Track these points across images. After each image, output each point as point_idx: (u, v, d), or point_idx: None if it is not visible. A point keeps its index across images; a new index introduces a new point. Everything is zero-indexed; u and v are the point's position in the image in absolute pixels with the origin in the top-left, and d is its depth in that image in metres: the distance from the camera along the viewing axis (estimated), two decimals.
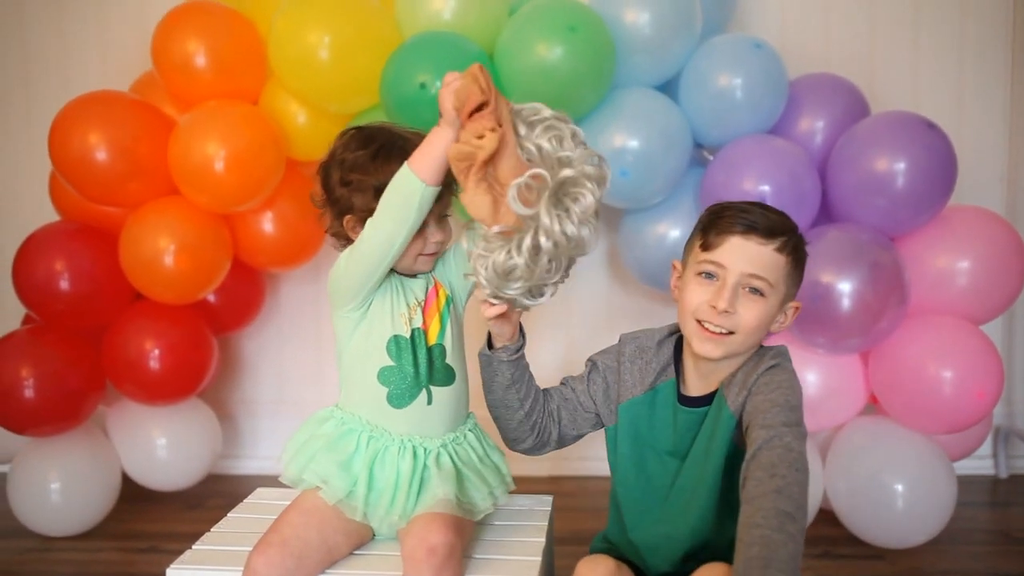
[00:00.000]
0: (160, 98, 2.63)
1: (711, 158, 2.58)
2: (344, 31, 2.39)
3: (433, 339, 1.59)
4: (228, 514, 1.76)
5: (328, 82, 2.42)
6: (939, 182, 2.28)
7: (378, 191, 1.47)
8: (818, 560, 2.33)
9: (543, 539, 1.63)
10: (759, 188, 2.31)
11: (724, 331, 1.37)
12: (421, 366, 1.56)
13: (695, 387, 1.48)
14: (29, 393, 2.43)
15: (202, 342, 2.68)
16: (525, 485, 1.87)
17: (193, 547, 1.60)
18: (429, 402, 1.57)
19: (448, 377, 1.60)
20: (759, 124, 2.46)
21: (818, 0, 2.94)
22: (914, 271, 2.31)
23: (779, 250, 1.37)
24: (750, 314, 1.36)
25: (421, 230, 1.51)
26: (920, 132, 2.29)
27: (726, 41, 2.52)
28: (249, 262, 2.74)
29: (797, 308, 1.45)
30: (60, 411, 2.50)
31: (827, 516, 2.46)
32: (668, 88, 2.56)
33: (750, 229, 1.36)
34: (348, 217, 1.56)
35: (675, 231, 2.52)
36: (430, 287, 1.62)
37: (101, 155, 2.38)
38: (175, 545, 1.68)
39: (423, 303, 1.59)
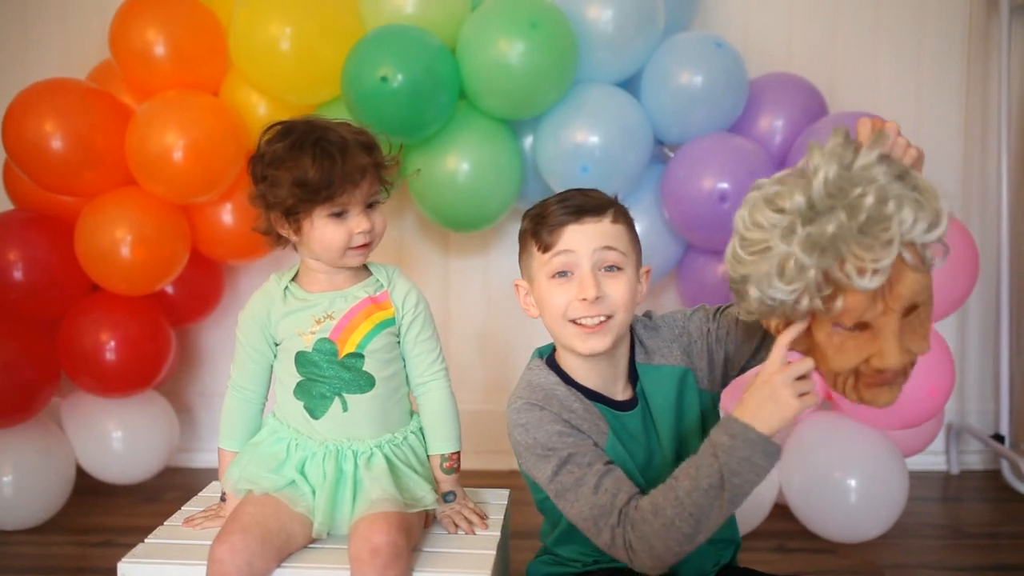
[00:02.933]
0: (118, 87, 2.60)
1: (672, 155, 2.60)
2: (305, 23, 2.38)
3: (350, 348, 1.56)
4: (182, 507, 1.75)
5: (289, 74, 2.41)
6: None
7: (293, 184, 1.45)
8: (771, 553, 2.36)
9: (498, 533, 1.63)
10: (718, 186, 2.33)
11: (602, 318, 1.32)
12: (328, 377, 1.56)
13: (615, 391, 1.43)
14: None
15: (159, 334, 2.65)
16: (482, 479, 1.87)
17: (146, 540, 1.59)
18: (345, 409, 1.57)
19: (364, 384, 1.57)
20: (719, 122, 2.48)
21: (781, 0, 2.97)
22: None
23: (614, 221, 1.36)
24: (618, 290, 1.33)
25: (341, 218, 1.51)
26: None
27: (688, 39, 2.54)
28: (208, 254, 2.71)
29: (647, 271, 1.44)
30: (13, 403, 2.46)
31: (781, 510, 2.48)
32: (630, 85, 2.58)
33: (579, 212, 1.34)
34: (275, 214, 1.52)
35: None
36: (360, 299, 1.58)
37: (56, 143, 2.35)
38: (131, 539, 1.66)
39: (340, 316, 1.56)
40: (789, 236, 1.06)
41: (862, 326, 1.10)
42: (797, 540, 2.43)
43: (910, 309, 1.09)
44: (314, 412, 1.57)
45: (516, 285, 1.45)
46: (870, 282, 1.04)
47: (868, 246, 1.03)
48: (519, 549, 1.83)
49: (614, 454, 1.36)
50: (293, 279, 1.60)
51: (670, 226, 2.55)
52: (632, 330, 1.45)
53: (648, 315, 1.49)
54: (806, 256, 1.04)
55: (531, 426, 1.35)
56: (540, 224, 1.37)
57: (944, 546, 2.46)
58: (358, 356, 1.56)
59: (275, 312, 1.57)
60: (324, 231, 1.50)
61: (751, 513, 2.38)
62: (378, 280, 1.61)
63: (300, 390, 1.58)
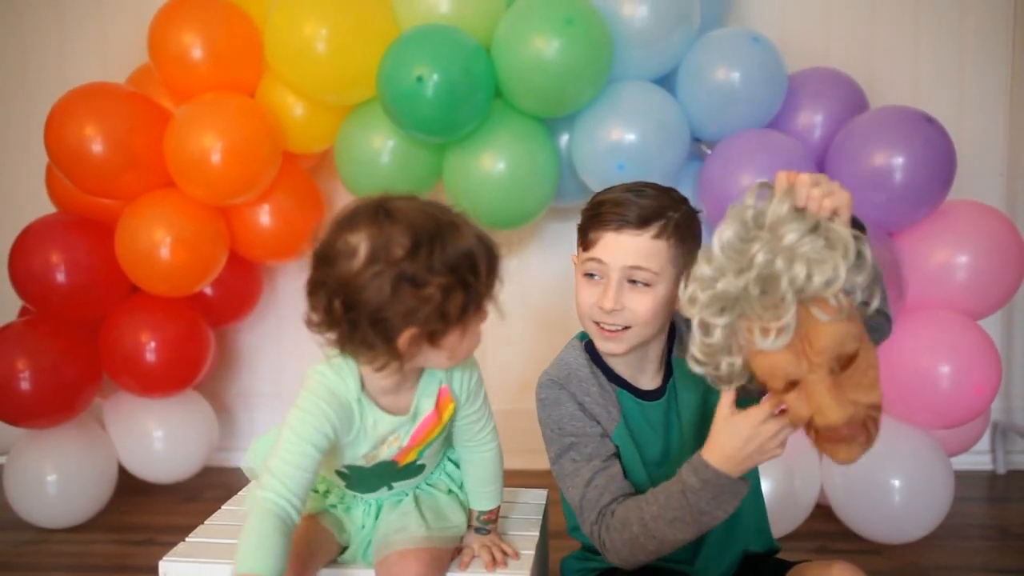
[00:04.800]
0: (157, 91, 2.63)
1: (709, 152, 2.57)
2: (341, 23, 2.38)
3: (410, 459, 1.42)
4: (222, 506, 1.75)
5: (325, 74, 2.42)
6: (937, 177, 2.28)
7: (465, 283, 1.17)
8: (813, 554, 2.32)
9: (537, 533, 1.62)
10: (757, 182, 2.30)
11: (619, 327, 1.35)
12: (380, 478, 1.44)
13: (642, 380, 1.45)
14: (25, 385, 2.43)
15: (199, 335, 2.68)
16: (520, 479, 1.86)
17: (186, 539, 1.59)
18: (390, 488, 1.48)
19: (415, 472, 1.46)
20: (757, 118, 2.45)
21: None
22: (912, 266, 2.30)
23: (656, 237, 1.32)
24: (640, 306, 1.33)
25: (462, 328, 1.22)
26: (919, 126, 2.28)
27: (724, 35, 2.52)
28: (246, 255, 2.73)
29: None
30: (56, 403, 2.50)
31: (823, 511, 2.45)
32: (666, 82, 2.56)
33: (622, 224, 1.32)
34: (409, 333, 1.18)
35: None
36: (427, 413, 1.38)
37: (97, 147, 2.38)
38: (172, 537, 1.67)
39: (407, 442, 1.38)
40: (695, 302, 1.08)
41: (794, 385, 1.08)
42: (840, 541, 2.40)
43: (845, 361, 1.07)
44: (356, 489, 1.48)
45: (573, 260, 1.45)
46: (775, 342, 1.03)
47: (767, 305, 1.02)
48: (557, 549, 1.81)
49: (621, 443, 1.40)
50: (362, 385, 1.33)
51: (708, 223, 2.52)
52: (674, 324, 1.47)
53: None
54: (712, 317, 1.06)
55: (549, 403, 1.43)
56: (588, 221, 1.38)
57: (991, 547, 2.42)
58: (413, 464, 1.44)
59: (348, 428, 1.33)
60: (471, 338, 1.26)
61: (791, 513, 2.35)
62: (434, 372, 1.38)
63: (343, 477, 1.45)
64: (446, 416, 1.41)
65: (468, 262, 1.18)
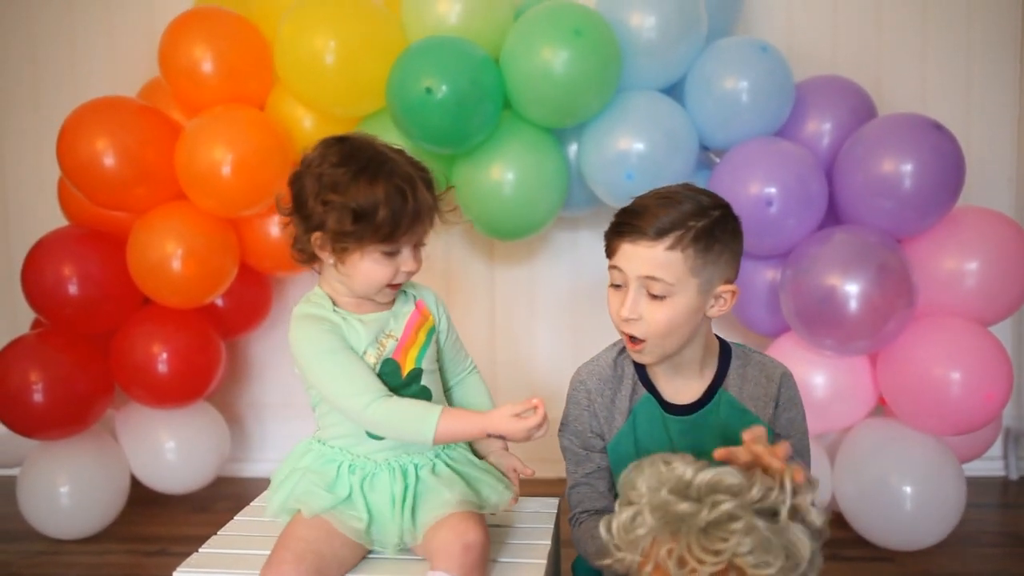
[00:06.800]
0: (167, 104, 2.65)
1: (717, 161, 2.58)
2: (350, 36, 2.40)
3: (410, 365, 1.51)
4: (235, 517, 1.76)
5: (334, 87, 2.43)
6: (946, 184, 2.28)
7: (357, 213, 1.37)
8: (826, 562, 2.31)
9: (549, 541, 1.63)
10: (765, 191, 2.31)
11: (639, 338, 1.36)
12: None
13: (676, 392, 1.46)
14: (38, 397, 2.45)
15: (210, 346, 2.69)
16: (531, 487, 1.86)
17: (200, 550, 1.60)
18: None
19: (422, 392, 1.52)
20: (765, 127, 2.46)
21: (825, 1, 2.94)
22: (922, 273, 2.30)
23: (671, 248, 1.31)
24: (655, 317, 1.33)
25: (392, 256, 1.44)
26: (927, 133, 2.28)
27: (732, 44, 2.52)
28: (256, 266, 2.75)
29: (734, 293, 1.38)
30: (69, 415, 2.52)
31: (835, 518, 2.43)
32: (674, 91, 2.57)
33: (637, 235, 1.33)
34: (317, 235, 1.42)
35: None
36: (410, 313, 1.54)
37: (109, 160, 2.40)
38: (184, 548, 1.68)
39: (400, 334, 1.51)
40: (653, 493, 1.05)
41: None
42: (852, 548, 2.39)
43: None
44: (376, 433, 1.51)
45: None
46: (676, 572, 1.00)
47: (703, 545, 1.00)
48: (569, 558, 1.82)
49: (615, 456, 1.48)
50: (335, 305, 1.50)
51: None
52: (727, 347, 1.49)
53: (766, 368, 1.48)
54: (649, 515, 1.03)
55: (569, 397, 1.54)
56: (612, 228, 1.39)
57: (1004, 554, 2.41)
58: (418, 372, 1.51)
59: (339, 326, 1.48)
60: (372, 267, 1.43)
61: None
62: (405, 291, 1.56)
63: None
64: (429, 324, 1.56)
65: (367, 203, 1.37)
